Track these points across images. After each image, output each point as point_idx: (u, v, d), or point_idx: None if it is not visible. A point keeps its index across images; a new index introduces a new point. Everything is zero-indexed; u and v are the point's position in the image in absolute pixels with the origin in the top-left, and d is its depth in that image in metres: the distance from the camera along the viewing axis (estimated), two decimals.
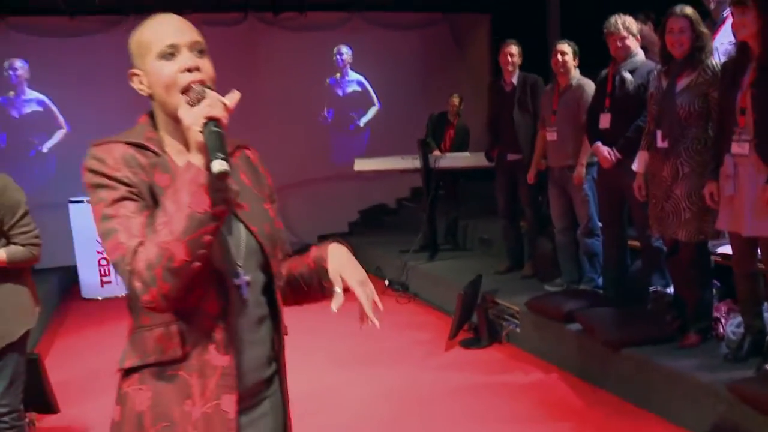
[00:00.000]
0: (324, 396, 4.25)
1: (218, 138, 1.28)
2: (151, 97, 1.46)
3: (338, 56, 9.55)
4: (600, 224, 4.79)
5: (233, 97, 1.37)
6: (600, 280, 4.88)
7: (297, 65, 9.12)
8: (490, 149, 5.87)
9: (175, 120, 1.36)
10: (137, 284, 1.30)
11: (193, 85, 1.38)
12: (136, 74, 1.47)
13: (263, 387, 1.53)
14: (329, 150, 9.65)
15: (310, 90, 9.34)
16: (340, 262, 1.58)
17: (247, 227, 1.47)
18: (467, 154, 7.00)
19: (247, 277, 1.46)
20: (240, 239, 1.46)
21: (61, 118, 8.57)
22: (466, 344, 5.00)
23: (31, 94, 8.47)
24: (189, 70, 1.40)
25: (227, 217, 1.41)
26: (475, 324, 5.11)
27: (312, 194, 9.47)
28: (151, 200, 1.37)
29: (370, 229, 9.40)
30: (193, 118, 1.30)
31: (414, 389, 4.31)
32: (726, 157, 3.34)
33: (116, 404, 1.48)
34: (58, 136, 8.61)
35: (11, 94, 8.40)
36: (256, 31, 9.00)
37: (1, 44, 8.19)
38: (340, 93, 9.69)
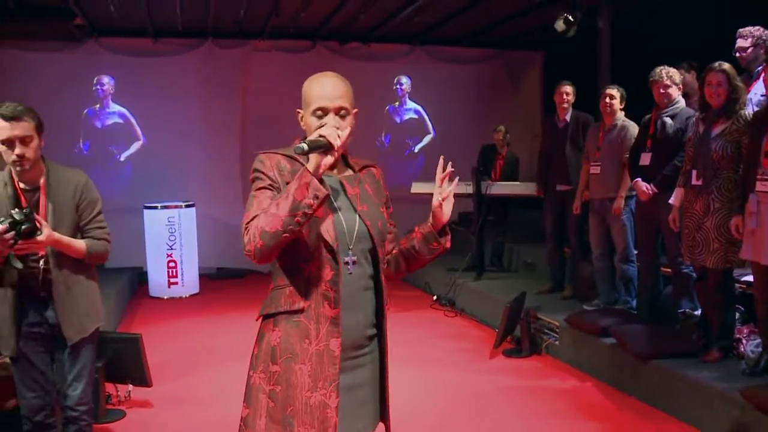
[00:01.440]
0: (391, 390, 4.78)
1: (312, 141, 1.88)
2: (305, 131, 2.07)
3: (398, 86, 10.19)
4: (635, 252, 5.28)
5: (345, 133, 1.96)
6: (634, 303, 5.36)
7: (359, 92, 9.64)
8: (540, 180, 6.37)
9: None
10: (245, 237, 1.92)
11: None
12: (299, 113, 2.06)
13: (365, 342, 2.08)
14: (386, 173, 10.16)
15: (370, 116, 9.95)
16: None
17: (363, 221, 2.05)
18: (517, 183, 7.52)
19: (354, 257, 2.02)
20: (354, 229, 2.03)
21: (138, 131, 9.33)
22: (509, 353, 5.51)
23: (114, 107, 9.27)
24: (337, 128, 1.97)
25: (348, 212, 2.02)
26: (518, 336, 5.61)
27: None
28: None
29: None
30: (314, 135, 1.92)
31: (461, 388, 4.82)
32: (750, 195, 3.84)
33: (255, 342, 2.08)
34: (135, 146, 9.36)
35: (97, 106, 9.21)
36: (323, 59, 9.64)
37: (92, 61, 9.02)
38: (398, 120, 10.32)
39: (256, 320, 2.09)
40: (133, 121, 9.32)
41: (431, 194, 7.07)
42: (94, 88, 9.11)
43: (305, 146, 1.86)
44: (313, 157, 1.89)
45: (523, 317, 5.58)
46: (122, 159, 9.35)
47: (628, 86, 5.56)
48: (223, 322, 6.83)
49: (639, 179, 4.91)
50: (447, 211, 2.13)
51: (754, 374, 3.93)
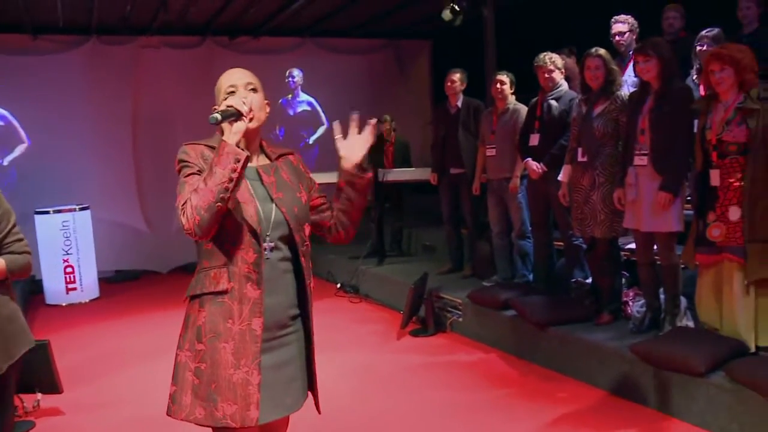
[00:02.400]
0: None
1: (223, 111, 2.01)
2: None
3: (290, 78, 10.20)
4: (530, 228, 5.60)
5: (253, 102, 2.10)
6: (531, 276, 5.68)
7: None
8: (435, 166, 6.61)
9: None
10: (182, 219, 2.01)
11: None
12: (215, 109, 2.13)
13: (288, 322, 2.20)
14: None
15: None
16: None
17: (279, 209, 2.16)
18: (411, 168, 7.76)
19: (272, 243, 2.13)
20: (271, 216, 2.14)
21: (22, 133, 8.89)
22: (415, 333, 5.72)
23: None
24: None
25: (265, 200, 2.14)
26: (422, 316, 5.83)
27: None
28: None
29: (321, 238, 9.99)
30: (222, 106, 2.05)
31: (372, 368, 4.98)
32: (629, 169, 4.20)
33: (183, 322, 2.17)
34: (20, 149, 8.92)
35: None
36: (214, 54, 9.53)
37: None
38: (291, 113, 10.35)
39: (183, 301, 2.18)
40: (15, 123, 8.87)
41: (327, 184, 7.20)
42: None
43: (218, 116, 1.98)
44: (226, 127, 2.01)
45: (426, 297, 5.80)
46: (5, 163, 8.89)
47: (514, 72, 5.87)
48: (128, 324, 6.71)
49: (529, 159, 5.21)
50: (357, 153, 2.29)
51: (640, 331, 4.31)
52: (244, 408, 2.06)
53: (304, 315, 2.25)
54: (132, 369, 5.20)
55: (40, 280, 8.12)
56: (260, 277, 2.08)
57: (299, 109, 10.38)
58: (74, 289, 8.01)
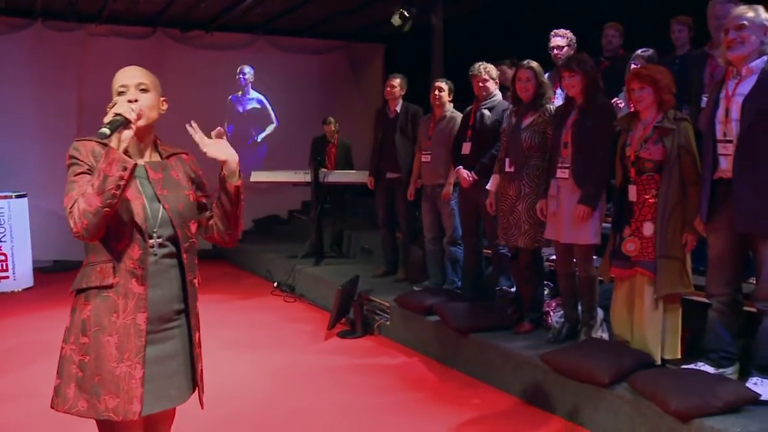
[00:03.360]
0: (213, 371, 4.81)
1: (111, 122, 2.00)
2: None
3: (241, 75, 10.16)
4: (461, 234, 5.65)
5: (143, 103, 2.14)
6: (460, 283, 5.73)
7: (201, 81, 9.64)
8: (372, 169, 6.63)
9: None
10: (71, 221, 2.02)
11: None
12: (110, 105, 2.12)
13: (173, 316, 2.22)
14: None
15: (212, 105, 9.88)
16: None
17: (162, 205, 2.18)
18: (352, 171, 7.77)
19: (158, 240, 2.16)
20: (158, 213, 2.17)
21: None
22: (343, 335, 5.72)
23: None
24: (130, 101, 2.13)
25: (152, 197, 2.16)
26: (352, 318, 5.84)
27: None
28: None
29: (263, 237, 10.00)
30: (109, 115, 2.04)
31: (295, 367, 4.97)
32: (552, 181, 4.27)
33: (69, 315, 2.19)
34: None
35: None
36: (164, 46, 9.46)
37: None
38: (241, 110, 10.30)
39: (70, 294, 2.17)
40: None
41: (272, 183, 7.15)
42: None
43: (107, 131, 1.97)
44: (115, 135, 2.01)
45: (356, 299, 5.81)
46: None
47: (462, 80, 5.90)
48: (60, 315, 6.45)
49: (461, 167, 5.26)
50: (227, 153, 2.25)
51: (557, 341, 4.37)
52: (127, 402, 2.07)
53: (188, 311, 2.26)
54: (53, 361, 5.07)
55: None
56: (145, 273, 2.11)
57: (249, 107, 10.34)
58: (6, 277, 7.83)
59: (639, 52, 5.05)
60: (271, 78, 10.28)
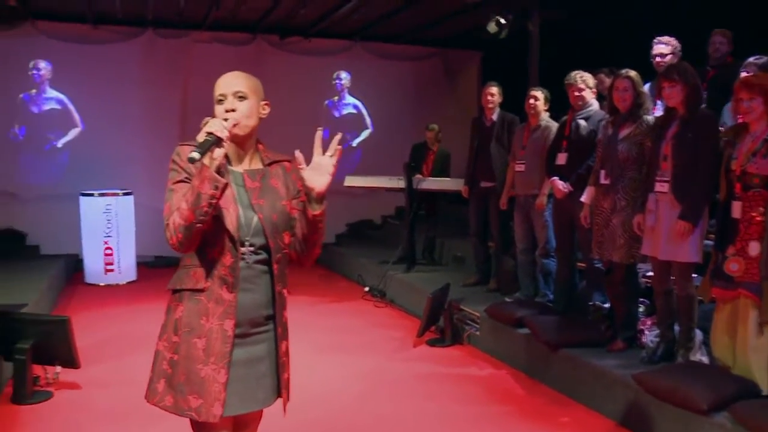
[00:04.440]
0: (303, 374, 4.92)
1: (201, 144, 2.03)
2: None
3: (337, 80, 10.33)
4: (555, 247, 5.54)
5: (239, 115, 2.16)
6: (552, 296, 5.61)
7: (299, 86, 9.85)
8: (467, 178, 6.59)
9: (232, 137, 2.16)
10: (167, 233, 2.11)
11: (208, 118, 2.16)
12: (203, 122, 2.18)
13: (262, 322, 2.25)
14: None
15: (309, 110, 10.09)
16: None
17: (256, 214, 2.21)
18: (448, 178, 7.74)
19: (251, 248, 2.19)
20: (251, 222, 2.20)
21: (77, 117, 9.25)
22: (432, 343, 5.71)
23: (51, 93, 9.16)
24: (227, 110, 2.17)
25: (247, 205, 2.19)
26: (441, 326, 5.82)
27: None
28: None
29: (355, 241, 10.12)
30: (201, 134, 2.09)
31: (383, 374, 5.01)
32: (650, 195, 4.11)
33: (165, 313, 2.28)
34: (73, 133, 9.28)
35: (33, 91, 9.08)
36: (263, 52, 9.71)
37: (29, 46, 8.89)
38: (337, 114, 10.46)
39: (166, 292, 2.28)
40: (71, 107, 9.23)
41: (365, 188, 7.21)
42: (30, 73, 8.99)
43: (196, 155, 2.00)
44: (207, 154, 2.06)
45: (446, 308, 5.79)
46: (59, 146, 9.26)
47: (559, 89, 5.78)
48: (159, 309, 6.71)
49: (555, 178, 5.16)
50: (318, 181, 2.19)
51: (651, 362, 4.21)
52: (209, 404, 2.13)
53: (275, 319, 2.29)
54: (149, 353, 5.30)
55: (82, 260, 8.44)
56: (236, 281, 2.15)
57: (345, 112, 10.49)
58: (112, 270, 8.28)
59: (751, 59, 4.77)
60: (366, 84, 10.39)
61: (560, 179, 5.12)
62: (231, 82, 2.21)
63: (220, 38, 9.54)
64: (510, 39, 7.17)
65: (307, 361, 5.26)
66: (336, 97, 10.43)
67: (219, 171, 2.06)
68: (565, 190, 5.07)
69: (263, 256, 2.22)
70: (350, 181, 8.02)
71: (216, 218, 2.12)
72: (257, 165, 2.29)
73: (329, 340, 5.82)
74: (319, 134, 2.24)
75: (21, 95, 9.03)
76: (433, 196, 7.93)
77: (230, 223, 2.14)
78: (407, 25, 9.44)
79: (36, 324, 4.47)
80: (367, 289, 7.62)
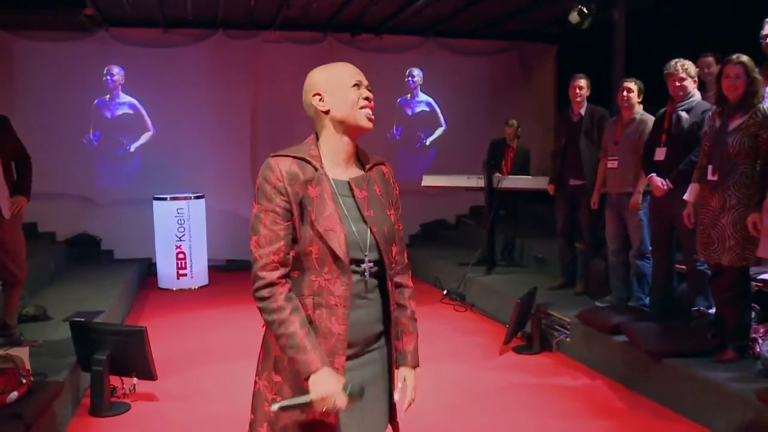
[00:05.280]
0: None
1: (296, 404, 1.83)
2: (326, 112, 1.95)
3: (410, 78, 10.11)
4: (650, 248, 5.19)
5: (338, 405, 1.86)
6: (647, 300, 5.26)
7: (370, 84, 9.65)
8: (554, 176, 6.27)
9: (346, 130, 1.95)
10: (252, 277, 1.86)
11: None
12: (319, 95, 1.95)
13: (373, 340, 2.02)
14: (396, 165, 10.15)
15: (381, 108, 9.88)
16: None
17: (369, 228, 1.97)
18: (529, 177, 7.44)
19: (370, 265, 1.95)
20: (365, 239, 1.95)
21: (149, 121, 9.30)
22: (519, 350, 5.44)
23: (124, 98, 9.24)
24: (367, 99, 1.95)
25: (357, 219, 1.93)
26: (528, 332, 5.55)
27: None
28: (299, 208, 1.88)
29: (429, 242, 9.90)
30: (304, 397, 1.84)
31: (469, 384, 4.77)
32: None
33: (261, 346, 2.02)
34: (145, 137, 9.33)
35: (107, 97, 9.17)
36: (334, 50, 9.58)
37: (102, 52, 8.99)
38: (409, 112, 10.24)
39: (262, 327, 2.00)
40: (143, 111, 9.29)
41: (442, 187, 6.97)
42: (103, 79, 9.09)
43: (279, 407, 1.84)
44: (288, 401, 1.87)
45: (533, 313, 5.51)
46: (132, 150, 9.33)
47: (645, 80, 5.44)
48: (232, 315, 6.78)
49: (653, 174, 4.81)
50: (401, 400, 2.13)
51: None
52: None
53: (388, 333, 2.07)
54: (225, 364, 5.21)
55: (155, 264, 8.46)
56: (346, 311, 1.89)
57: (417, 109, 10.27)
58: (185, 275, 8.26)
59: None
60: (439, 80, 10.14)
61: (659, 176, 4.78)
62: (358, 71, 1.99)
63: (291, 38, 9.45)
64: (588, 30, 6.80)
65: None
66: (408, 95, 10.21)
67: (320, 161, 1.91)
68: (665, 188, 4.72)
69: (376, 269, 1.98)
70: (428, 180, 7.80)
71: (323, 242, 1.86)
72: (358, 170, 2.03)
73: None
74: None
75: (95, 101, 9.13)
76: (513, 195, 7.63)
77: (338, 246, 1.86)
78: (481, 19, 9.14)
79: (112, 334, 4.37)
80: (445, 292, 7.39)
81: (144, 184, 8.96)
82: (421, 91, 10.20)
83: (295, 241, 1.89)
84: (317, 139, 1.99)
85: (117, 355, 4.33)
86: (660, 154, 4.82)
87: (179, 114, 9.18)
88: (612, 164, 5.44)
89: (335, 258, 1.87)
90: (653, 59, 4.98)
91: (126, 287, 7.36)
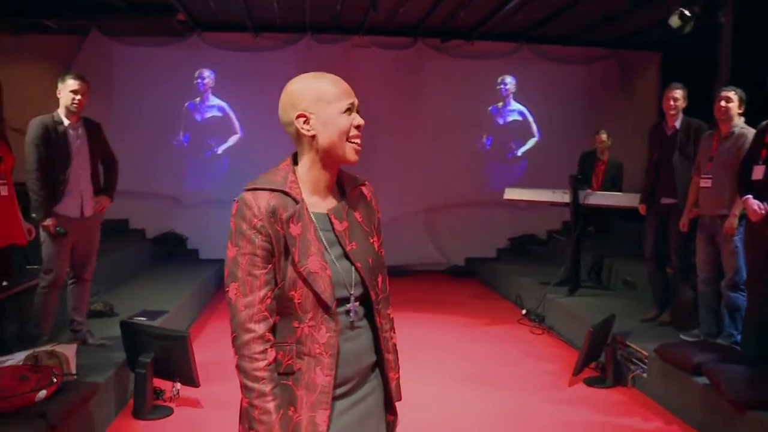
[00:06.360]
0: (445, 410, 4.44)
1: None
2: (313, 138, 1.70)
3: (502, 85, 9.71)
4: (745, 278, 4.61)
5: None
6: (739, 337, 4.68)
7: (460, 91, 9.40)
8: (644, 193, 5.75)
9: (330, 161, 1.72)
10: (240, 337, 1.66)
11: None
12: (305, 116, 1.70)
13: (367, 372, 1.79)
14: (485, 176, 9.79)
15: (470, 116, 9.60)
16: None
17: (353, 264, 1.73)
18: (618, 193, 6.90)
19: (356, 303, 1.73)
20: (351, 273, 1.73)
21: (236, 124, 9.38)
22: (590, 382, 4.98)
23: (214, 100, 9.35)
24: (358, 127, 1.72)
25: (340, 255, 1.72)
26: (602, 363, 5.07)
27: (464, 217, 9.69)
28: (282, 248, 1.66)
29: (517, 258, 9.47)
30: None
31: (531, 415, 4.39)
32: None
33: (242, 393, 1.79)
34: (233, 140, 9.42)
35: (197, 99, 9.31)
36: (424, 56, 9.36)
37: (194, 55, 9.15)
38: (501, 121, 9.83)
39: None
40: (231, 114, 9.38)
41: (526, 201, 6.48)
42: (195, 82, 9.23)
43: None
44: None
45: (609, 343, 5.03)
46: (219, 152, 9.43)
47: (755, 91, 4.83)
48: None
49: (750, 196, 4.25)
50: None
51: None
52: None
53: (381, 361, 1.84)
54: None
55: None
56: (332, 360, 1.68)
57: (509, 119, 9.84)
58: None
59: None
60: (533, 89, 9.68)
61: (756, 198, 4.22)
62: (352, 90, 1.74)
63: (379, 42, 9.30)
64: (696, 35, 6.22)
65: (446, 392, 4.79)
66: (500, 103, 9.81)
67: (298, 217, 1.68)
68: (762, 212, 4.16)
69: (359, 310, 1.77)
70: (510, 193, 7.38)
71: (305, 285, 1.65)
72: (336, 196, 1.79)
73: (474, 369, 5.27)
74: None
75: (186, 104, 9.27)
76: (603, 211, 7.10)
77: (324, 290, 1.65)
78: (578, 24, 8.65)
79: (157, 338, 4.33)
80: (524, 312, 6.97)
81: (230, 186, 8.96)
82: (513, 99, 9.77)
83: (275, 284, 1.68)
84: (295, 161, 1.77)
85: (161, 359, 4.30)
86: (758, 172, 4.25)
87: (267, 117, 9.14)
88: (705, 183, 4.89)
89: (320, 303, 1.66)
90: (763, 66, 4.41)
91: (200, 288, 7.37)
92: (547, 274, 7.47)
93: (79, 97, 4.49)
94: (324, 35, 9.16)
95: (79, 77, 4.54)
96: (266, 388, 1.64)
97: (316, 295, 1.66)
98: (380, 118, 9.21)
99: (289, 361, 1.68)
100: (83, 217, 4.64)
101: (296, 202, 1.69)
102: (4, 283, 4.64)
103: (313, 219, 1.70)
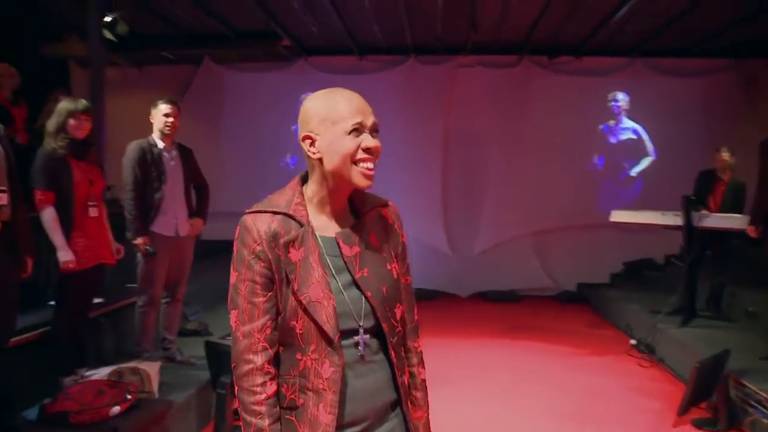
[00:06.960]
0: None
1: None
2: (320, 160, 1.58)
3: (613, 103, 9.26)
4: None
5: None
6: None
7: (569, 109, 9.05)
8: (755, 215, 5.27)
9: (339, 184, 1.59)
10: (239, 368, 1.59)
11: None
12: (310, 138, 1.58)
13: (385, 411, 1.65)
14: (597, 197, 9.33)
15: (580, 135, 9.21)
16: None
17: (363, 293, 1.59)
18: (737, 215, 6.32)
19: (366, 336, 1.59)
20: (360, 302, 1.59)
21: None
22: (700, 424, 4.52)
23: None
24: (368, 150, 1.56)
25: (348, 284, 1.59)
26: (715, 403, 4.60)
27: (576, 240, 9.28)
28: (283, 275, 1.57)
29: (631, 283, 8.91)
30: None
31: None
32: None
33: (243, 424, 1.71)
34: None
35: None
36: (530, 74, 9.08)
37: (301, 80, 9.28)
38: (613, 140, 9.36)
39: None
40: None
41: (636, 224, 6.01)
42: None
43: None
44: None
45: (722, 381, 4.56)
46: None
47: None
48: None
49: None
50: None
51: None
52: None
53: (400, 397, 1.68)
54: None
55: None
56: (335, 396, 1.55)
57: (622, 137, 9.35)
58: None
59: None
60: (647, 105, 9.14)
61: None
62: (366, 109, 1.59)
63: (484, 62, 9.13)
64: None
65: (532, 427, 4.47)
66: (612, 121, 9.33)
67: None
68: None
69: (372, 344, 1.63)
70: (617, 216, 6.94)
71: (308, 316, 1.54)
72: (348, 218, 1.66)
73: (572, 405, 4.92)
74: None
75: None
76: (723, 235, 6.53)
77: (326, 321, 1.54)
78: (694, 34, 8.09)
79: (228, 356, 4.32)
80: (633, 342, 6.50)
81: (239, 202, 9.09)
82: (626, 116, 9.28)
83: (278, 312, 1.59)
84: (303, 182, 1.66)
85: None
86: None
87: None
88: None
89: (322, 334, 1.55)
90: None
91: None
92: (661, 301, 6.94)
93: (171, 119, 4.63)
94: (428, 56, 9.10)
95: (170, 101, 4.69)
96: (264, 423, 1.55)
97: (318, 325, 1.53)
98: (487, 139, 9.02)
99: (293, 396, 1.58)
100: (178, 236, 4.76)
101: (301, 225, 1.57)
102: (100, 300, 4.83)
103: (320, 243, 1.59)
